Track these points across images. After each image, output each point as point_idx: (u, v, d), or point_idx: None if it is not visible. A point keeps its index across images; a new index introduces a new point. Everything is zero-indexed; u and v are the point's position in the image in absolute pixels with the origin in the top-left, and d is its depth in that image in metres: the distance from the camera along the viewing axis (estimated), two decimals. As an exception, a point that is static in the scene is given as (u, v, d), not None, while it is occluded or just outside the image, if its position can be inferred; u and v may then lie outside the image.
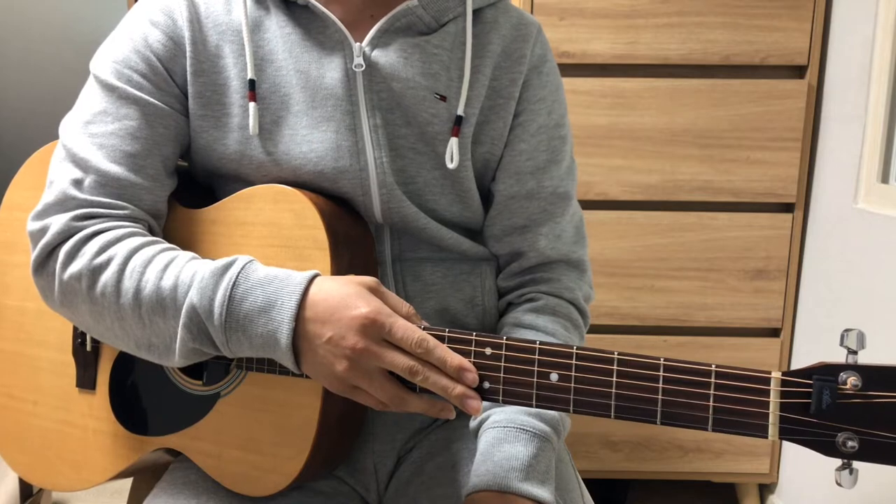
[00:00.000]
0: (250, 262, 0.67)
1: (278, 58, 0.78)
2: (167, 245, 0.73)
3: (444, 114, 0.79)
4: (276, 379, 0.72)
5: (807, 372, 0.54)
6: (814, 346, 1.54)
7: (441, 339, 0.63)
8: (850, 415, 0.53)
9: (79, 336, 0.82)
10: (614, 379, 0.59)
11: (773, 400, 0.55)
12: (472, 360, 0.63)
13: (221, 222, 0.77)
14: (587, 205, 1.56)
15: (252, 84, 0.76)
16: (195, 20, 0.78)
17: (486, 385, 0.63)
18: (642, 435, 1.66)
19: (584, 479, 0.96)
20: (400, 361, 0.62)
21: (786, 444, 1.65)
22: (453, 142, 0.78)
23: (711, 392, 0.56)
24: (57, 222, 0.71)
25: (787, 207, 1.56)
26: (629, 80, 1.51)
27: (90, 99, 0.77)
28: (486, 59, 0.81)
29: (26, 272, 0.83)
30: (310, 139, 0.77)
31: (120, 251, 0.69)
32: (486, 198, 0.86)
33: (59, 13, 2.42)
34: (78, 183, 0.73)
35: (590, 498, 0.84)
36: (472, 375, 0.62)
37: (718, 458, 1.67)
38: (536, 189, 0.84)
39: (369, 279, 0.66)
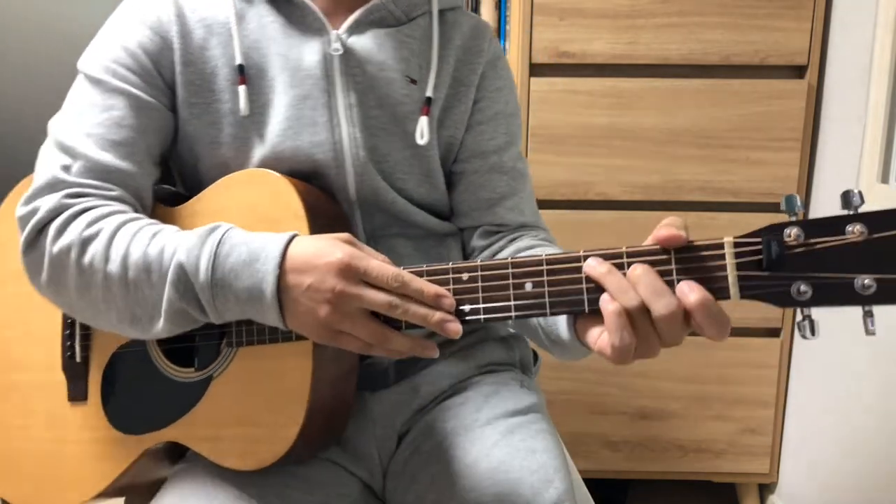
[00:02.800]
0: (233, 227, 0.70)
1: (262, 45, 0.82)
2: (154, 221, 0.75)
3: (415, 94, 0.85)
4: (265, 349, 0.73)
5: (755, 233, 0.58)
6: (814, 346, 1.54)
7: (420, 274, 0.67)
8: (798, 263, 0.57)
9: (68, 349, 0.83)
10: (584, 275, 0.62)
11: (730, 262, 0.59)
12: (451, 287, 0.66)
13: (201, 213, 0.79)
14: (587, 205, 1.56)
15: (241, 69, 0.81)
16: (181, 15, 0.82)
17: (467, 308, 0.66)
18: (642, 435, 1.66)
19: (584, 479, 0.96)
20: (379, 298, 0.64)
21: (786, 443, 1.65)
22: (423, 120, 0.85)
23: (673, 267, 0.60)
24: (48, 202, 0.73)
25: (787, 207, 1.56)
26: (629, 80, 1.51)
27: (78, 94, 0.80)
28: (449, 51, 0.89)
29: (8, 302, 0.87)
30: (288, 115, 0.81)
31: (109, 224, 0.72)
32: (449, 181, 0.92)
33: (59, 13, 2.42)
34: (66, 168, 0.75)
35: (590, 497, 0.84)
36: (449, 300, 0.66)
37: (718, 458, 1.67)
38: (499, 163, 0.91)
39: (344, 234, 0.69)
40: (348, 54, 0.83)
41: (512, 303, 0.64)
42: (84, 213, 0.73)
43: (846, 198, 0.57)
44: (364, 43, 0.84)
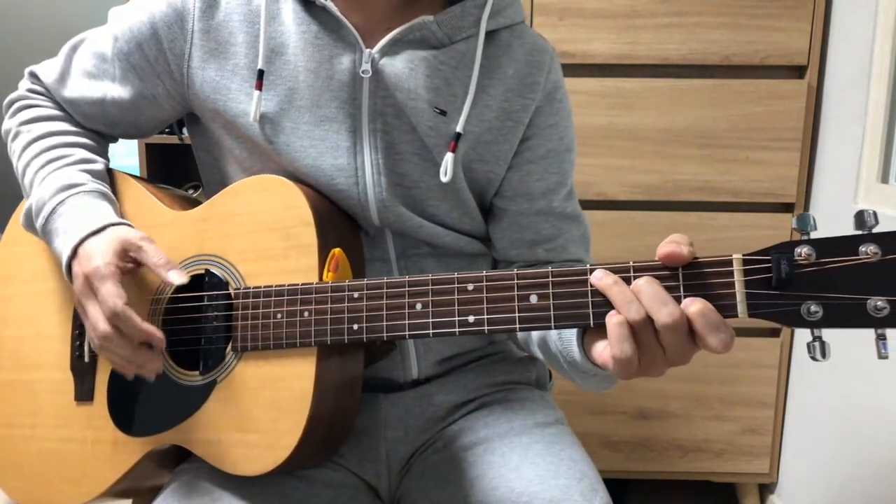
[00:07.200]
0: (82, 190, 0.79)
1: (289, 51, 0.80)
2: (67, 141, 0.85)
3: (442, 128, 0.80)
4: (269, 355, 0.73)
5: (765, 251, 0.57)
6: (814, 346, 1.54)
7: (426, 283, 0.67)
8: (809, 282, 0.55)
9: (76, 349, 0.83)
10: (589, 288, 0.61)
11: (738, 279, 0.58)
12: (456, 296, 0.66)
13: (211, 218, 0.79)
14: (587, 205, 1.55)
15: (261, 74, 0.79)
16: (213, 5, 0.81)
17: (471, 318, 0.65)
18: (642, 435, 1.66)
19: (584, 479, 0.96)
20: (96, 317, 0.71)
21: (785, 443, 1.65)
22: (448, 157, 0.80)
23: (680, 283, 0.59)
24: (22, 87, 0.92)
25: (787, 207, 1.56)
26: (629, 80, 1.51)
27: (98, 43, 0.86)
28: (495, 81, 0.82)
29: (24, 301, 0.87)
30: (311, 135, 0.79)
31: (36, 129, 0.86)
32: (487, 211, 0.89)
33: (59, 13, 2.42)
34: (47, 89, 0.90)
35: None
36: (158, 343, 0.72)
37: (718, 458, 1.67)
38: (547, 208, 0.86)
39: (122, 237, 0.75)
40: (377, 76, 0.79)
41: (517, 315, 0.64)
42: (29, 109, 0.89)
43: (860, 218, 0.54)
44: (395, 66, 0.79)
